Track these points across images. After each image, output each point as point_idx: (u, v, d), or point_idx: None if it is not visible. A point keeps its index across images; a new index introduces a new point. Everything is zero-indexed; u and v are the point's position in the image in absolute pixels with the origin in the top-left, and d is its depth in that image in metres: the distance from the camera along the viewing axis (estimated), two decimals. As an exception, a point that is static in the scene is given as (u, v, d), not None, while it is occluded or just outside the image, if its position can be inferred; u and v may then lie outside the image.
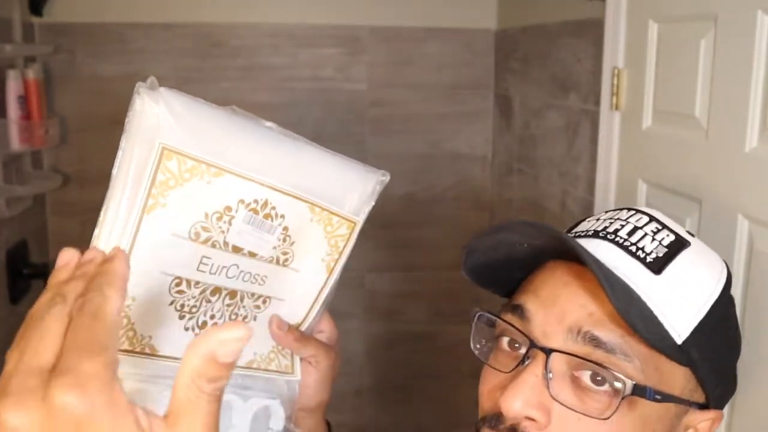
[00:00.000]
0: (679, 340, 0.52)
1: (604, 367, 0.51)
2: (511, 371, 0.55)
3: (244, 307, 0.60)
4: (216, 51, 1.86)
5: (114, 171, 0.51)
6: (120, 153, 0.51)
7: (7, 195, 1.57)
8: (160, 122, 0.51)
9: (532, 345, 0.54)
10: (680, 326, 0.52)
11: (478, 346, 0.61)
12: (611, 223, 0.58)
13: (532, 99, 1.71)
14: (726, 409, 0.86)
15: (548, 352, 0.53)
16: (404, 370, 2.12)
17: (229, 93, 1.84)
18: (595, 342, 0.52)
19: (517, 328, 0.56)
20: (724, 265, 0.59)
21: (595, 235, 0.57)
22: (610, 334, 0.52)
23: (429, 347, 2.12)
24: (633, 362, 0.51)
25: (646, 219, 0.58)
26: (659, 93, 1.07)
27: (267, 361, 0.63)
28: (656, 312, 0.52)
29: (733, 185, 0.86)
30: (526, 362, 0.54)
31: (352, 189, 0.61)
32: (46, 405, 0.29)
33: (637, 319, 0.50)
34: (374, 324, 2.06)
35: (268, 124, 0.57)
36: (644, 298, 0.52)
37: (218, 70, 1.86)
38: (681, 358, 0.52)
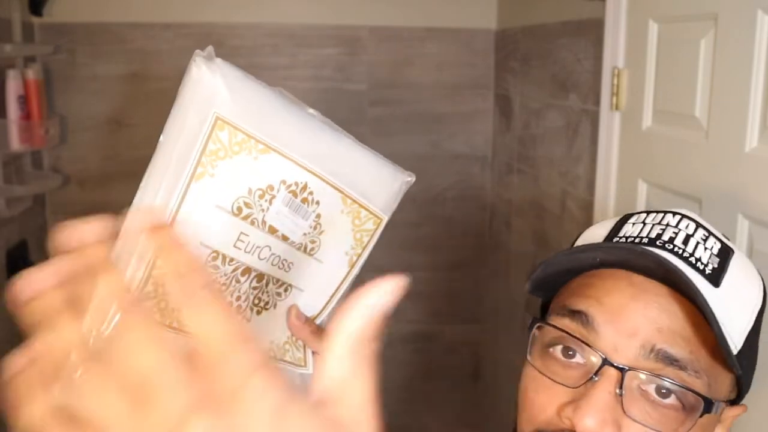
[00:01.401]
0: (735, 351, 0.53)
1: (683, 388, 0.51)
2: (578, 386, 0.54)
3: (267, 292, 0.60)
4: (216, 51, 1.86)
5: (161, 138, 0.50)
6: (170, 120, 0.50)
7: (7, 195, 1.57)
8: (216, 92, 0.51)
9: (606, 362, 0.53)
10: (737, 337, 0.53)
11: (533, 355, 0.59)
12: (663, 230, 0.57)
13: (532, 99, 1.70)
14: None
15: (625, 370, 0.52)
16: (404, 370, 2.12)
17: (229, 93, 1.84)
18: (668, 359, 0.52)
19: (585, 342, 0.55)
20: (758, 272, 0.60)
21: (652, 243, 0.56)
22: (681, 350, 0.52)
23: (429, 347, 2.12)
24: (702, 378, 0.52)
25: (693, 226, 0.57)
26: (659, 93, 1.07)
27: (282, 351, 0.63)
28: (722, 326, 0.52)
29: (733, 185, 0.86)
30: (596, 378, 0.53)
31: (383, 185, 0.61)
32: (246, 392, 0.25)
33: (723, 343, 0.50)
34: (374, 324, 2.06)
35: (311, 111, 0.57)
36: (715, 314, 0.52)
37: (218, 70, 1.86)
38: (738, 369, 0.53)
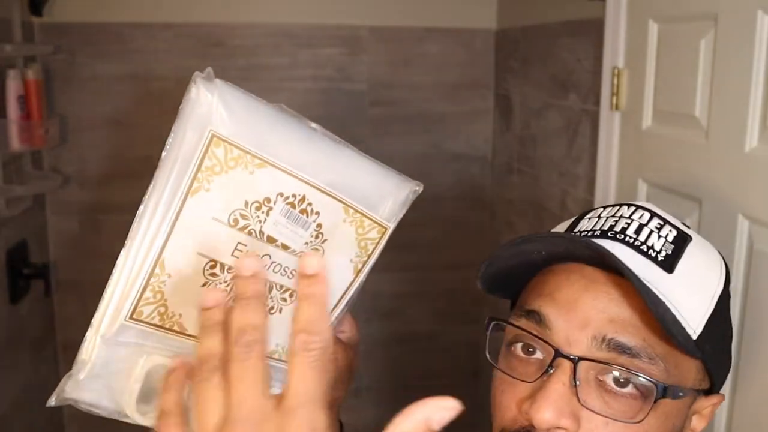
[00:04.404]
0: (694, 336, 0.53)
1: (634, 373, 0.52)
2: (535, 380, 0.55)
3: (271, 298, 0.62)
4: (216, 51, 1.86)
5: (163, 153, 0.54)
6: (171, 136, 0.54)
7: (7, 195, 1.57)
8: (212, 111, 0.54)
9: (558, 354, 0.54)
10: (695, 322, 0.53)
11: (491, 353, 0.61)
12: (616, 221, 0.58)
13: (532, 99, 1.70)
14: (726, 404, 0.87)
15: (576, 360, 0.53)
16: (404, 370, 2.12)
17: (229, 93, 1.83)
18: (620, 348, 0.52)
19: (539, 337, 0.56)
20: (721, 257, 0.60)
21: (603, 235, 0.57)
22: (633, 338, 0.52)
23: (429, 347, 2.12)
24: (657, 364, 0.52)
25: (648, 215, 0.58)
26: (659, 93, 1.07)
27: (288, 353, 0.65)
28: (674, 311, 0.52)
29: (733, 185, 0.86)
30: (551, 371, 0.54)
31: (386, 195, 0.63)
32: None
33: (671, 325, 0.50)
34: (374, 324, 2.06)
35: (313, 125, 0.60)
36: (663, 299, 0.52)
37: (218, 70, 1.84)
38: (697, 353, 0.53)
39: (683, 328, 0.52)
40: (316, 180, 0.59)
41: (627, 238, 0.56)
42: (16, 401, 1.61)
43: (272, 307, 0.63)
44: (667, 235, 0.57)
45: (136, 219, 0.54)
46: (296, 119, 0.59)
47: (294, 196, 0.58)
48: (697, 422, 0.59)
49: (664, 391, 0.52)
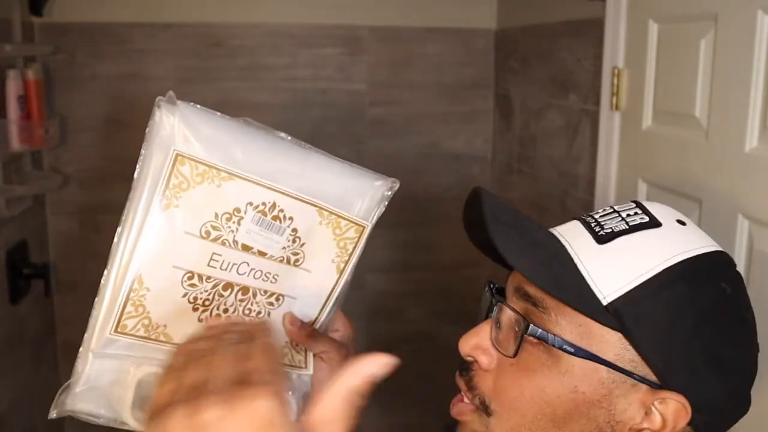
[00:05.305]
0: (604, 302, 0.54)
1: (517, 313, 0.58)
2: (481, 323, 0.63)
3: (257, 303, 0.64)
4: (216, 51, 1.86)
5: (135, 174, 0.58)
6: (140, 159, 0.58)
7: (7, 195, 1.57)
8: (174, 132, 0.57)
9: (492, 301, 0.63)
10: (608, 289, 0.55)
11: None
12: (601, 210, 0.63)
13: (532, 99, 1.71)
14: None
15: (496, 304, 0.61)
16: (404, 370, 2.11)
17: (229, 93, 1.84)
18: (526, 297, 0.58)
19: (492, 291, 0.66)
20: (706, 249, 0.58)
21: (577, 218, 0.63)
22: (534, 289, 0.57)
23: (429, 347, 2.12)
24: (549, 315, 0.56)
25: (632, 206, 0.61)
26: (659, 93, 1.07)
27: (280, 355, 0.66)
28: (583, 273, 0.56)
29: (733, 185, 0.86)
30: (490, 315, 0.62)
31: (360, 194, 0.65)
32: (247, 405, 0.37)
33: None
34: (374, 324, 2.06)
35: (282, 134, 0.62)
36: (575, 260, 0.56)
37: (218, 70, 1.86)
38: (607, 320, 0.54)
39: (579, 283, 0.55)
40: (285, 187, 0.61)
41: (587, 218, 0.61)
42: (16, 401, 1.61)
43: (259, 312, 0.64)
44: (631, 221, 0.59)
45: (115, 239, 0.57)
46: (263, 131, 0.61)
47: (264, 204, 0.60)
48: (658, 424, 0.55)
49: (533, 331, 0.56)
